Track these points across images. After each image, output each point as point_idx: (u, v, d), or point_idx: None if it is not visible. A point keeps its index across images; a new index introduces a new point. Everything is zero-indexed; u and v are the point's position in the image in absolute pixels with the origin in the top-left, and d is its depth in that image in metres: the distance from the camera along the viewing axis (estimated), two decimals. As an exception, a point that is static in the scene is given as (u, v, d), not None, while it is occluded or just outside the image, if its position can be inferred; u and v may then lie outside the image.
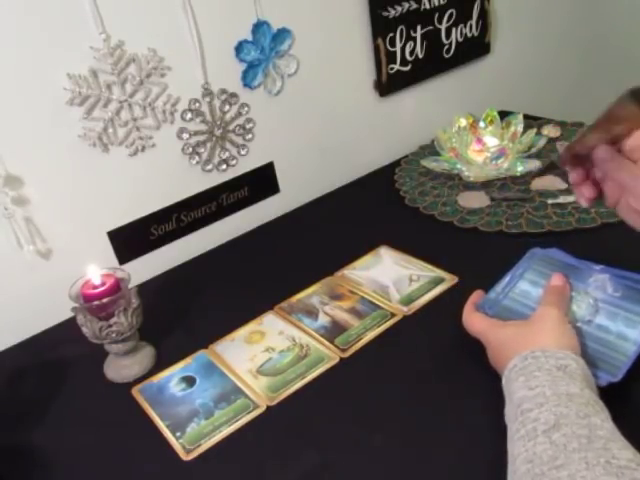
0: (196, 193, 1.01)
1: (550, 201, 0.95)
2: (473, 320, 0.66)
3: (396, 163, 1.20)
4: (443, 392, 0.65)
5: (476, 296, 0.70)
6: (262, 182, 1.09)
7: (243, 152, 1.04)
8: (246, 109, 1.01)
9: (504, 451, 0.51)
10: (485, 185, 1.04)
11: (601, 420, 0.47)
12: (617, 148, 0.56)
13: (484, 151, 1.04)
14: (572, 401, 0.49)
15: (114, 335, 0.72)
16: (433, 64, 1.24)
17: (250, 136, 1.03)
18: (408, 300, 0.81)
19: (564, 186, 0.98)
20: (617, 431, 0.47)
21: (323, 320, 0.80)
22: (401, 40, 1.16)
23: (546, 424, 0.47)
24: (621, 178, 0.55)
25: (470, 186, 1.04)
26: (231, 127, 1.00)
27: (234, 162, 1.03)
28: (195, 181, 1.00)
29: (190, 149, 0.97)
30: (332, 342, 0.75)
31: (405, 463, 0.58)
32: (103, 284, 0.72)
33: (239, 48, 0.96)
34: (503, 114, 1.10)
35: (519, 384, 0.53)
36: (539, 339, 0.57)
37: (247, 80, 0.99)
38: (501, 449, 0.51)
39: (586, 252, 0.72)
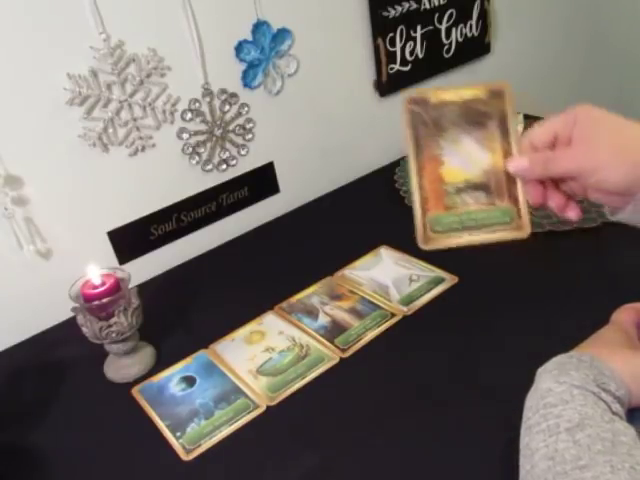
0: (196, 193, 1.01)
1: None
2: (629, 312, 0.60)
3: (396, 163, 1.20)
4: (443, 392, 0.65)
5: None
6: (262, 182, 1.09)
7: (243, 152, 1.04)
8: (246, 109, 1.01)
9: (504, 451, 0.51)
10: (485, 185, 1.03)
11: (624, 427, 0.46)
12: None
13: (484, 151, 1.04)
14: (598, 405, 0.48)
15: (114, 335, 0.72)
16: (433, 64, 1.24)
17: (250, 136, 1.03)
18: (408, 300, 0.80)
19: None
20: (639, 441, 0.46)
21: (323, 320, 0.80)
22: (401, 40, 1.16)
23: (570, 422, 0.46)
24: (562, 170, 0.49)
25: (470, 186, 1.04)
26: (231, 127, 1.00)
27: (234, 162, 1.03)
28: (195, 181, 1.00)
29: (190, 149, 0.97)
30: (332, 342, 0.75)
31: (405, 463, 0.58)
32: (103, 284, 0.72)
33: (239, 48, 0.96)
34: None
35: (549, 375, 0.51)
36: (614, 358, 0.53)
37: (247, 80, 0.99)
38: (501, 449, 0.51)
39: (586, 252, 0.72)
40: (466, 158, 0.51)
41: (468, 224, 0.51)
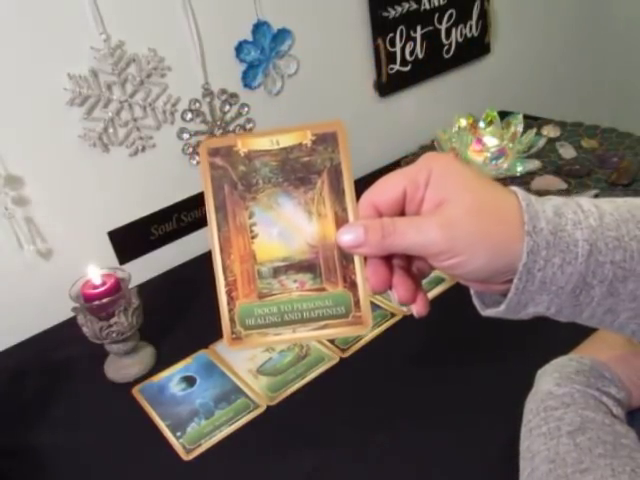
0: (196, 193, 1.00)
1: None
2: None
3: (396, 163, 1.20)
4: (443, 392, 0.65)
5: None
6: (262, 182, 1.08)
7: (243, 152, 1.04)
8: (246, 109, 1.01)
9: (504, 453, 0.51)
10: (485, 185, 1.03)
11: (625, 430, 0.46)
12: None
13: (484, 151, 1.04)
14: (599, 408, 0.48)
15: (114, 335, 0.72)
16: (433, 64, 1.24)
17: (250, 136, 1.03)
18: (408, 300, 0.80)
19: (564, 186, 0.98)
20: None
21: (323, 320, 0.80)
22: (401, 40, 1.16)
23: (571, 425, 0.46)
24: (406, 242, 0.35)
25: (470, 186, 1.04)
26: (231, 127, 1.00)
27: (234, 162, 1.03)
28: (195, 181, 1.00)
29: (190, 149, 0.97)
30: (332, 342, 0.75)
31: (405, 463, 0.58)
32: (103, 284, 0.72)
33: (239, 48, 0.96)
34: (503, 114, 1.10)
35: (549, 378, 0.52)
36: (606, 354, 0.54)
37: (247, 80, 0.99)
38: (501, 450, 0.51)
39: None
40: (286, 229, 0.38)
41: (290, 317, 0.38)
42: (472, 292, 0.41)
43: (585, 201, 0.36)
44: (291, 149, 0.38)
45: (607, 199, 0.36)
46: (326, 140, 0.38)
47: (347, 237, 0.36)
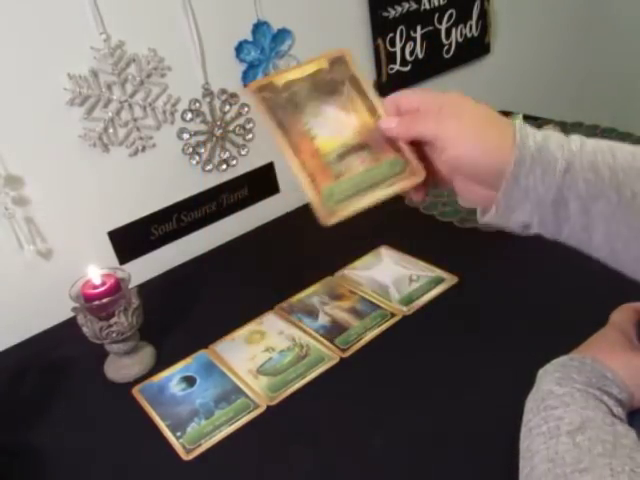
0: (196, 193, 1.01)
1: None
2: (628, 311, 0.60)
3: (396, 163, 1.20)
4: (443, 392, 0.65)
5: None
6: (262, 182, 1.09)
7: (243, 152, 1.04)
8: (246, 109, 1.01)
9: (504, 453, 0.51)
10: (485, 185, 1.03)
11: (626, 430, 0.46)
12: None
13: (484, 151, 1.04)
14: (599, 408, 0.48)
15: (114, 335, 0.72)
16: (433, 64, 1.24)
17: (250, 136, 1.03)
18: (408, 300, 0.81)
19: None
20: None
21: (323, 320, 0.80)
22: (401, 40, 1.16)
23: (571, 424, 0.46)
24: (421, 133, 0.49)
25: (470, 186, 1.04)
26: (231, 127, 1.00)
27: (234, 162, 1.03)
28: (195, 181, 1.00)
29: (190, 149, 0.97)
30: (332, 342, 0.75)
31: (405, 463, 0.58)
32: (103, 284, 0.72)
33: (239, 48, 0.96)
34: (503, 114, 1.10)
35: (550, 377, 0.52)
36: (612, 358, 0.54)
37: (247, 80, 0.99)
38: (501, 450, 0.51)
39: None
40: (335, 125, 0.51)
41: (363, 185, 0.50)
42: (478, 211, 0.51)
43: (574, 135, 0.45)
44: (315, 73, 0.52)
45: (593, 139, 0.45)
46: (339, 61, 0.54)
47: (386, 125, 0.50)
